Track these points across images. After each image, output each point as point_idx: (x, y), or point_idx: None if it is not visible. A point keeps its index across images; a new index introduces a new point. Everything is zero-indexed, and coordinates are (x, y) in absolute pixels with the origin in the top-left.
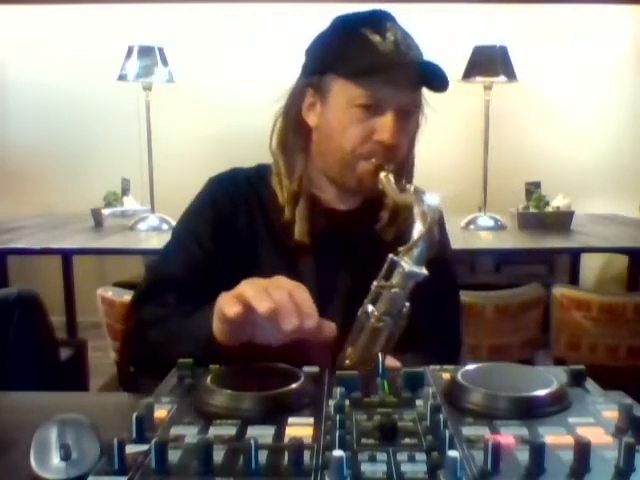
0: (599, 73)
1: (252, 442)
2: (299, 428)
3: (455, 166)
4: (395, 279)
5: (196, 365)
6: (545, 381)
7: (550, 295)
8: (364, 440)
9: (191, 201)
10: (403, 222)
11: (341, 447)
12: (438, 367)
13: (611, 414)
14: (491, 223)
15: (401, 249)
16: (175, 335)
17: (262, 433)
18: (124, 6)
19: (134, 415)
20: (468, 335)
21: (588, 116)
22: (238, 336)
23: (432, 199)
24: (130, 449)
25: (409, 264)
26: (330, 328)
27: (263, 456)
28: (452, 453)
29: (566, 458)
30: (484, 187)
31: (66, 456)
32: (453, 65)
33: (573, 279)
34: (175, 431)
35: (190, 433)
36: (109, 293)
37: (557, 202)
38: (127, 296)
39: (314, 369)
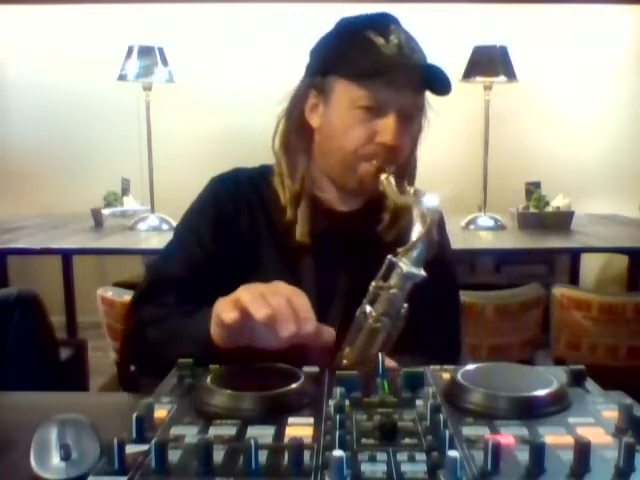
0: (599, 73)
1: (252, 442)
2: (299, 428)
3: (455, 166)
4: (393, 280)
5: (196, 365)
6: (545, 381)
7: (550, 295)
8: (364, 440)
9: (193, 201)
10: (404, 224)
11: (341, 447)
12: (438, 367)
13: (611, 414)
14: (491, 223)
15: (400, 250)
16: (174, 335)
17: (262, 433)
18: (124, 6)
19: (134, 415)
20: (468, 335)
21: (588, 116)
22: (236, 340)
23: (431, 201)
24: (130, 449)
25: (407, 265)
26: (329, 333)
27: (263, 456)
28: (452, 453)
29: (566, 458)
30: (484, 187)
31: (66, 456)
32: (453, 65)
33: (573, 279)
34: (175, 431)
35: (190, 433)
36: (109, 293)
37: (557, 202)
38: (127, 296)
39: (314, 369)
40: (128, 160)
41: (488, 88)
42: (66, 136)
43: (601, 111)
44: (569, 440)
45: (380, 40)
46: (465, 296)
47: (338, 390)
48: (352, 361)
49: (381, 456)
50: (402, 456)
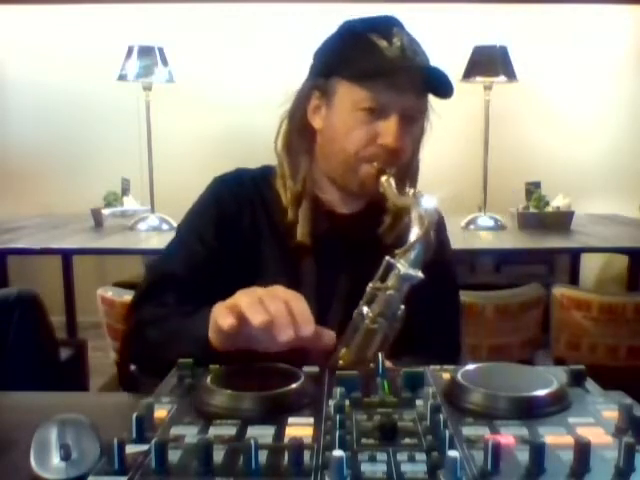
0: (599, 73)
1: (252, 442)
2: (299, 428)
3: (455, 166)
4: (391, 281)
5: (196, 365)
6: (545, 381)
7: (550, 295)
8: (364, 440)
9: (195, 200)
10: (404, 226)
11: (341, 447)
12: (438, 367)
13: (611, 414)
14: (491, 223)
15: (398, 251)
16: (173, 336)
17: (262, 433)
18: (124, 6)
19: (134, 415)
20: (468, 335)
21: (588, 116)
22: (234, 344)
23: (429, 203)
24: (130, 449)
25: (405, 267)
26: (329, 336)
27: (263, 456)
28: (452, 453)
29: (566, 458)
30: (484, 187)
31: (66, 456)
32: (453, 65)
33: (573, 279)
34: (175, 431)
35: (190, 433)
36: (109, 293)
37: (557, 202)
38: (127, 296)
39: (314, 369)
40: (128, 160)
41: (488, 88)
42: (66, 136)
43: (601, 111)
44: (569, 440)
45: (383, 43)
46: (465, 296)
47: (338, 390)
48: (348, 361)
49: (381, 456)
50: (402, 456)
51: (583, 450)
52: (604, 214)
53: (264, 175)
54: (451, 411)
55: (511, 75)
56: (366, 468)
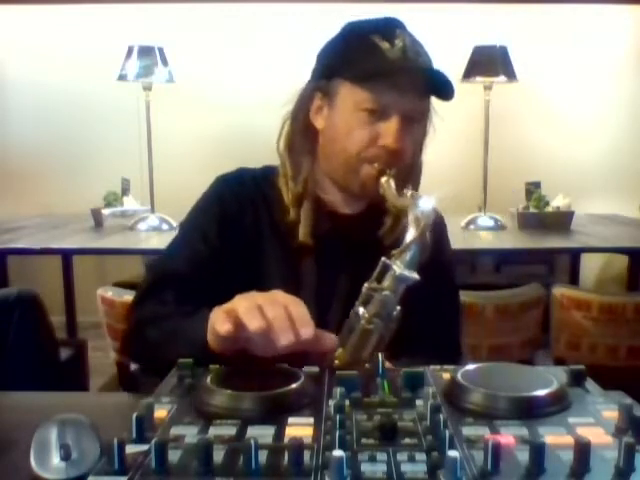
0: (599, 73)
1: (252, 442)
2: (299, 428)
3: (455, 166)
4: (387, 282)
5: (196, 365)
6: (545, 381)
7: (550, 295)
8: (364, 440)
9: (197, 200)
10: (404, 228)
11: (341, 447)
12: (438, 367)
13: (611, 414)
14: (491, 223)
15: (394, 252)
16: (172, 336)
17: (262, 433)
18: (124, 6)
19: (134, 415)
20: (468, 335)
21: (588, 116)
22: (232, 347)
23: (426, 204)
24: (130, 449)
25: (400, 268)
26: (331, 339)
27: (263, 456)
28: (452, 453)
29: (566, 458)
30: (484, 187)
31: (66, 456)
32: (453, 65)
33: (573, 279)
34: (175, 431)
35: (190, 433)
36: (109, 293)
37: (557, 202)
38: (127, 296)
39: (314, 369)
40: (128, 160)
41: (488, 88)
42: (66, 136)
43: (601, 111)
44: (569, 440)
45: (385, 44)
46: (465, 296)
47: (338, 390)
48: (344, 362)
49: (381, 456)
50: (402, 456)
51: (583, 450)
52: (604, 214)
53: (266, 175)
54: (451, 411)
55: (511, 75)
56: (366, 468)
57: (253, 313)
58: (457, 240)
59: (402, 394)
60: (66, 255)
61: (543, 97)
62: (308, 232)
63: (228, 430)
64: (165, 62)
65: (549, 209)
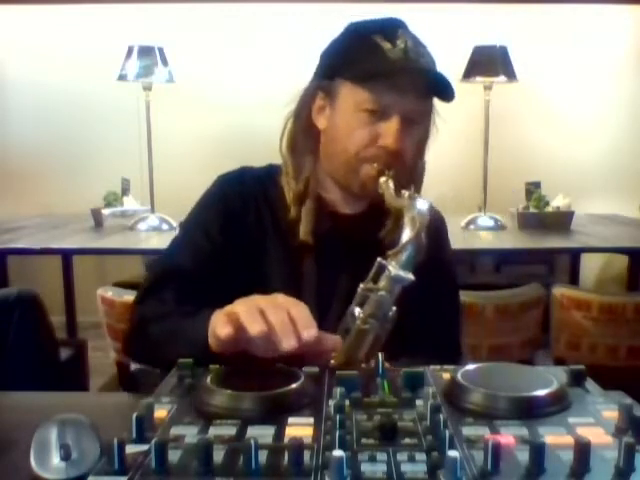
0: (599, 73)
1: (252, 442)
2: (299, 428)
3: (455, 166)
4: (382, 282)
5: (196, 365)
6: (545, 381)
7: (550, 295)
8: (364, 440)
9: (199, 198)
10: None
11: (341, 447)
12: (438, 367)
13: (611, 414)
14: (491, 223)
15: (389, 253)
16: (173, 335)
17: (262, 433)
18: (124, 6)
19: (134, 415)
20: (468, 335)
21: (588, 116)
22: (233, 349)
23: (422, 205)
24: (130, 449)
25: (396, 268)
26: (333, 341)
27: (263, 456)
28: (452, 453)
29: (566, 458)
30: (484, 187)
31: (66, 456)
32: (453, 65)
33: (573, 279)
34: (175, 431)
35: (190, 433)
36: (109, 293)
37: (557, 202)
38: (127, 296)
39: (314, 369)
40: (128, 160)
41: (488, 88)
42: (66, 136)
43: (601, 111)
44: (569, 440)
45: (387, 44)
46: (465, 296)
47: (338, 390)
48: (339, 361)
49: (381, 456)
50: (402, 456)
51: (583, 450)
52: (604, 214)
53: (269, 173)
54: (451, 411)
55: (511, 75)
56: (366, 468)
57: (254, 317)
58: (457, 240)
59: (402, 394)
60: (66, 255)
61: (543, 97)
62: (309, 231)
63: (228, 430)
64: (165, 62)
65: (549, 209)
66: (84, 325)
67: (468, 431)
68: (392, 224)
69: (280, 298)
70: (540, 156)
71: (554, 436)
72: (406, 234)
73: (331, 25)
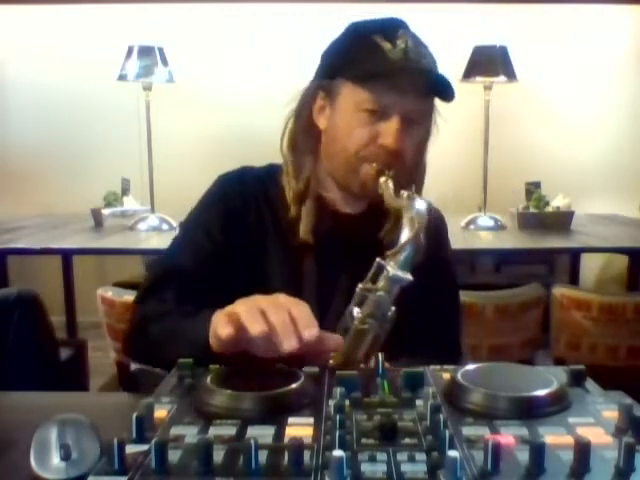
0: (599, 73)
1: (252, 442)
2: (299, 428)
3: (455, 166)
4: (381, 282)
5: (196, 365)
6: (545, 381)
7: (550, 295)
8: (364, 440)
9: (200, 198)
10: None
11: (341, 447)
12: (438, 367)
13: (611, 414)
14: (491, 223)
15: (388, 253)
16: (174, 335)
17: (262, 433)
18: (124, 6)
19: (134, 415)
20: (468, 335)
21: (588, 116)
22: (234, 349)
23: (421, 205)
24: (130, 449)
25: (394, 268)
26: (334, 340)
27: (263, 456)
28: (452, 453)
29: (566, 458)
30: (484, 187)
31: (66, 456)
32: (453, 65)
33: (573, 279)
34: (175, 431)
35: (190, 433)
36: (109, 293)
37: (557, 202)
38: (127, 296)
39: (314, 369)
40: (128, 160)
41: (488, 88)
42: (66, 136)
43: (601, 111)
44: (569, 440)
45: (387, 45)
46: (465, 296)
47: (338, 390)
48: (338, 362)
49: (381, 456)
50: (402, 456)
51: (583, 450)
52: (604, 214)
53: (270, 173)
54: (451, 411)
55: (511, 75)
56: (366, 468)
57: (255, 317)
58: (457, 240)
59: (402, 394)
60: (66, 255)
61: (543, 97)
62: (309, 230)
63: (228, 430)
64: (165, 62)
65: (549, 209)
66: (84, 325)
67: (468, 431)
68: (392, 224)
69: (281, 298)
70: (540, 156)
71: (554, 436)
72: (405, 234)
73: (331, 25)
